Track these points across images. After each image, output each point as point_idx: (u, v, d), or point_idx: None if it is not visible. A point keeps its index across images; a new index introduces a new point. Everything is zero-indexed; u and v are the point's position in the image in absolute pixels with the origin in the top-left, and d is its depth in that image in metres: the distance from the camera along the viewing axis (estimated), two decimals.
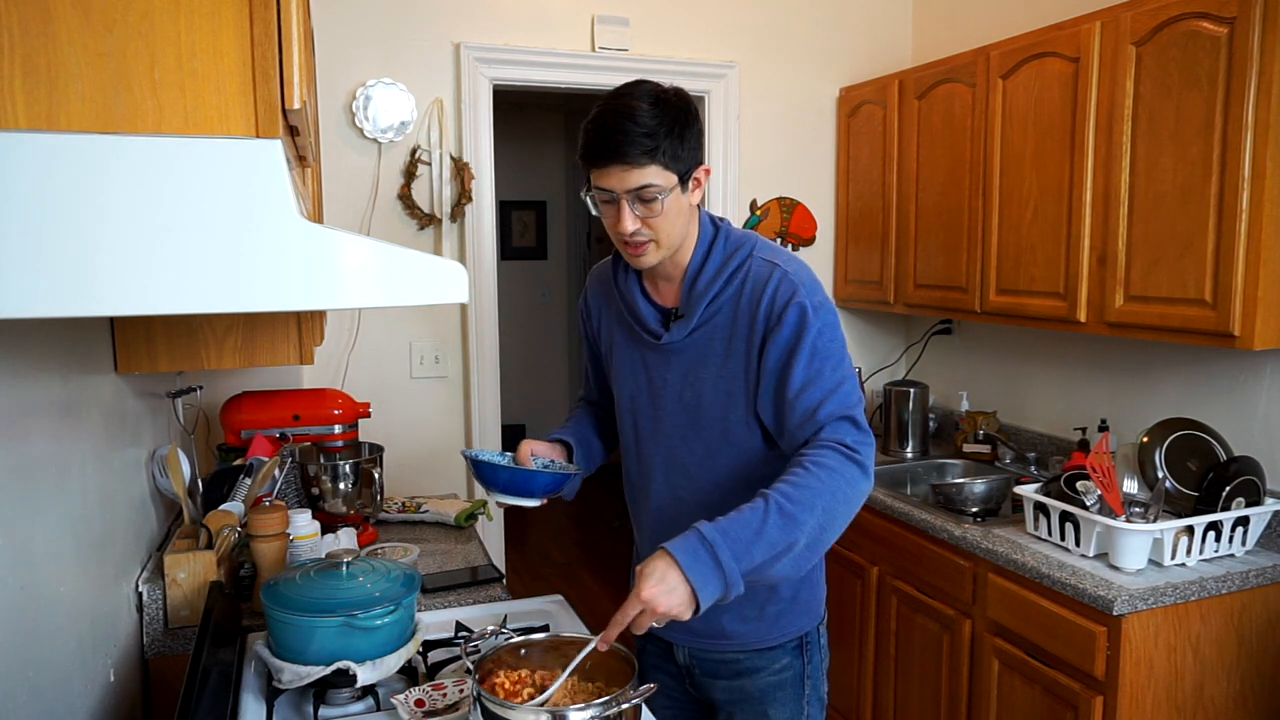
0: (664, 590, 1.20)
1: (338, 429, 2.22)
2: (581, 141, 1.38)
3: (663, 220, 1.38)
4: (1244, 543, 2.11)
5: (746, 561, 1.23)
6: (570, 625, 1.65)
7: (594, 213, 1.43)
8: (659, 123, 1.32)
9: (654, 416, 1.54)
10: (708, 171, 1.44)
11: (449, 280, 0.85)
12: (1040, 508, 2.23)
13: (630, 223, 1.37)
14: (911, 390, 3.09)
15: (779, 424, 1.42)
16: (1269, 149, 1.90)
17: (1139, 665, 1.93)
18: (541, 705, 1.16)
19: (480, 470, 1.49)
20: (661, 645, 1.65)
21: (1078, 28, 2.31)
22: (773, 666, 1.57)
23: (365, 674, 1.31)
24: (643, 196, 1.35)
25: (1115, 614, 1.90)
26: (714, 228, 1.49)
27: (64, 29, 0.73)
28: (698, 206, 1.49)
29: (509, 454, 1.56)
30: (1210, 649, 2.00)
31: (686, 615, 1.22)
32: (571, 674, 1.21)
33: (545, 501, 1.52)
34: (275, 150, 0.78)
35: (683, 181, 1.38)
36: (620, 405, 1.61)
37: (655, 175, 1.34)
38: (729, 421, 1.47)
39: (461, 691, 1.36)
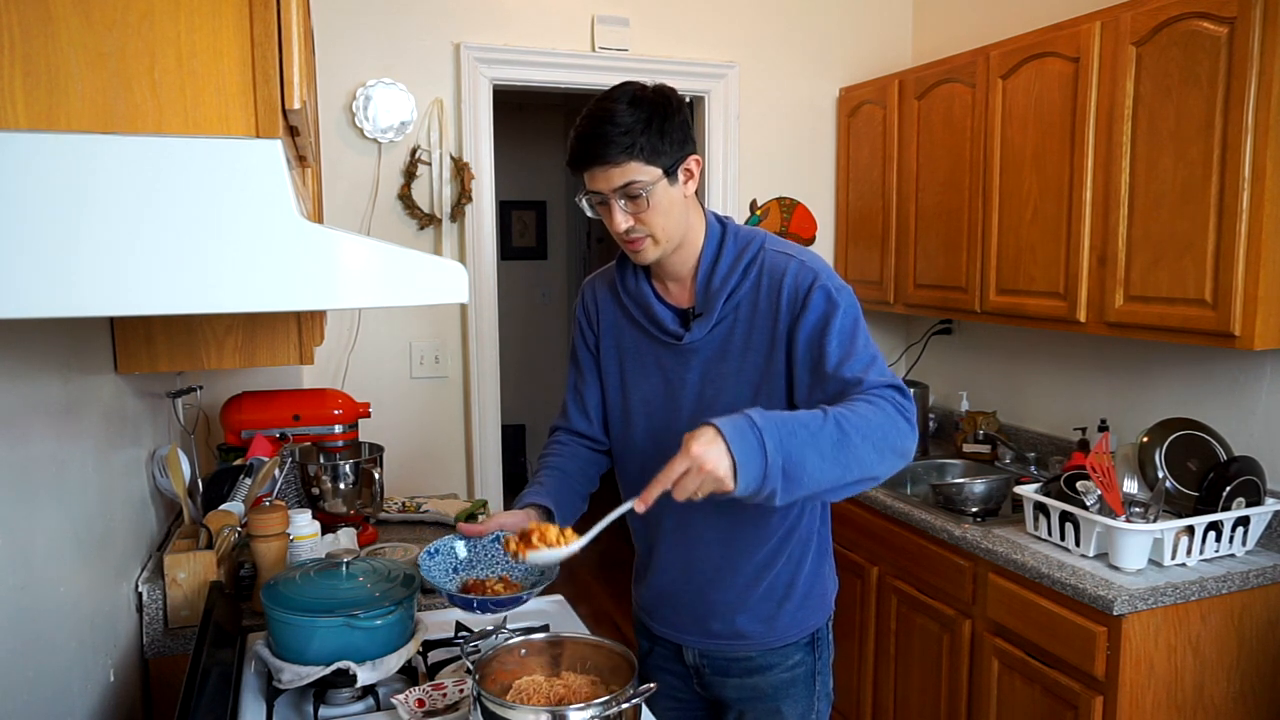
0: (713, 451, 1.15)
1: (338, 429, 2.22)
2: (567, 149, 1.40)
3: (653, 214, 1.38)
4: (1244, 543, 2.11)
5: (791, 457, 1.18)
6: (570, 625, 1.66)
7: (590, 215, 1.44)
8: (635, 120, 1.34)
9: (669, 418, 1.53)
10: (698, 161, 1.44)
11: (449, 280, 0.85)
12: (1040, 508, 2.23)
13: (622, 221, 1.39)
14: (911, 390, 3.08)
15: (821, 400, 1.39)
16: (1269, 149, 1.91)
17: (1139, 665, 1.93)
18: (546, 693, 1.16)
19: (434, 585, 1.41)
20: (669, 646, 1.65)
21: (1078, 28, 2.31)
22: (786, 663, 1.57)
23: (365, 674, 1.31)
24: (628, 193, 1.36)
25: (1115, 614, 1.90)
26: (721, 225, 1.50)
27: (64, 29, 0.73)
28: (699, 202, 1.49)
29: (474, 538, 1.46)
30: (1210, 649, 2.00)
31: (728, 485, 1.17)
32: (597, 536, 1.20)
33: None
34: (275, 150, 0.78)
35: (669, 174, 1.38)
36: (631, 409, 1.58)
37: (637, 171, 1.35)
38: None
39: (461, 691, 1.36)
